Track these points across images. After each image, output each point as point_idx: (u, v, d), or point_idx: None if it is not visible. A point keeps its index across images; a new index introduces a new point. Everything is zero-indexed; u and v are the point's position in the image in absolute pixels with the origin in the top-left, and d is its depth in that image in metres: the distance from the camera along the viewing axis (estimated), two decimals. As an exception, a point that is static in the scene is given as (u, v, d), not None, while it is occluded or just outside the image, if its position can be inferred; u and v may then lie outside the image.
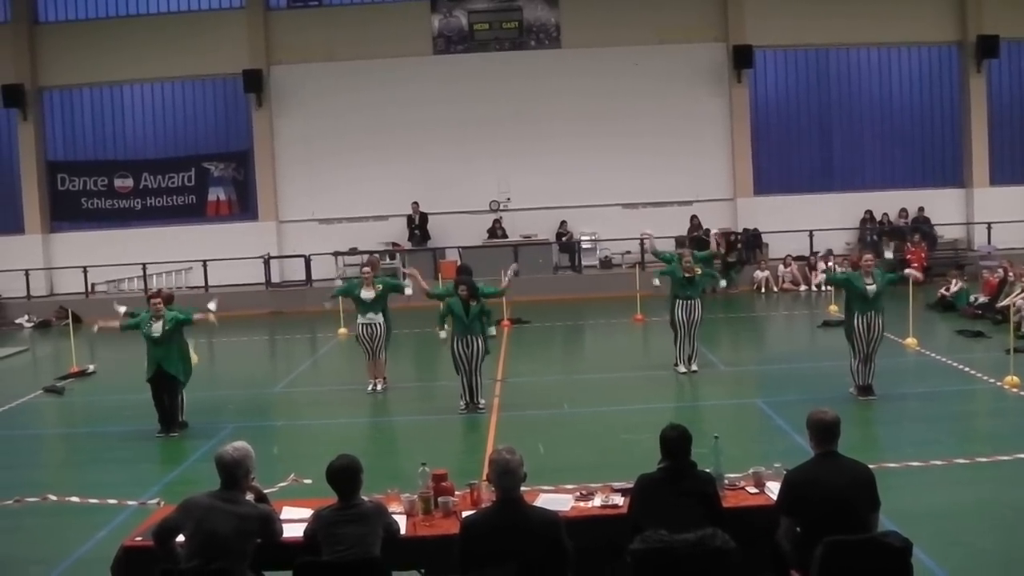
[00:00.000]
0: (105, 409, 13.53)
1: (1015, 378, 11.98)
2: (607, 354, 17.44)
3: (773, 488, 5.84)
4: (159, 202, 26.75)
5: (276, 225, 26.47)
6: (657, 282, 14.88)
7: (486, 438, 10.77)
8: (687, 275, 13.59)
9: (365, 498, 5.43)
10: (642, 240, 22.21)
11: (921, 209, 25.89)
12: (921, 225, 25.52)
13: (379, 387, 13.50)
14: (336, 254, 25.07)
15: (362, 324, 13.35)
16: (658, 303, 16.40)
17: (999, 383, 12.18)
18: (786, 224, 24.84)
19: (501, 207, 25.99)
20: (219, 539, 5.06)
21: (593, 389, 13.50)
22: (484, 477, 5.96)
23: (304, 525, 5.49)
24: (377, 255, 22.64)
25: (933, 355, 14.54)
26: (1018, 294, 16.72)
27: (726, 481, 6.06)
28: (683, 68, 25.98)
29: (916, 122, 26.75)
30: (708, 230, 24.82)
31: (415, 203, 25.62)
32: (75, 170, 26.84)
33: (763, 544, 5.40)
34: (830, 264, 14.42)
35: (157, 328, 11.47)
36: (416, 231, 25.71)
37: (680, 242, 23.17)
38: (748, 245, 25.44)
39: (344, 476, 5.32)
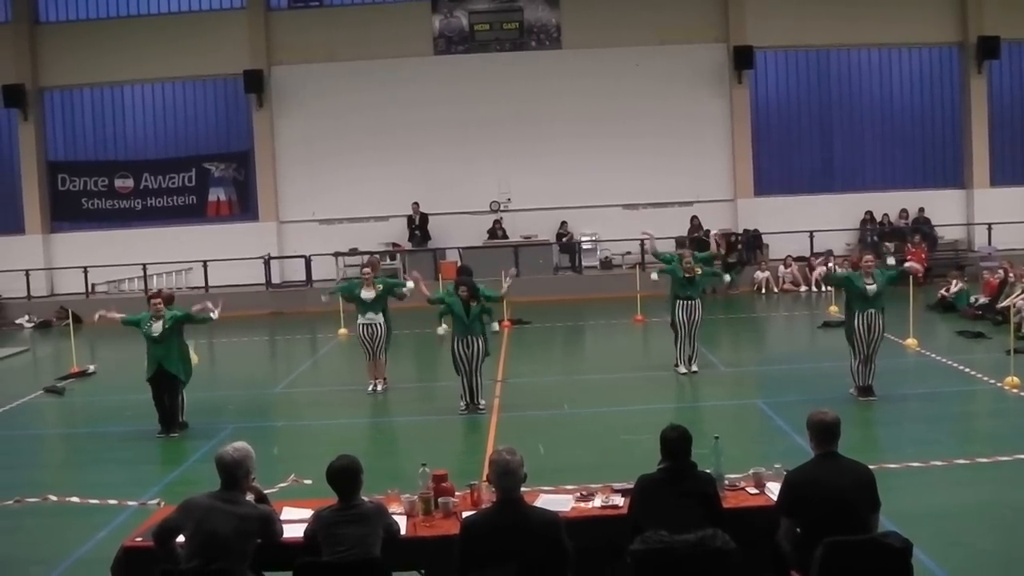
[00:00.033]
0: (105, 409, 13.53)
1: (1015, 379, 11.98)
2: (607, 355, 17.44)
3: (773, 489, 5.84)
4: (159, 202, 26.76)
5: (276, 226, 26.48)
6: (655, 276, 14.87)
7: (486, 439, 10.77)
8: (687, 275, 13.59)
9: (365, 499, 5.43)
10: (642, 241, 22.22)
11: (921, 210, 25.89)
12: (921, 226, 25.52)
13: (379, 388, 13.50)
14: (336, 255, 25.08)
15: (362, 324, 13.35)
16: (658, 304, 16.40)
17: (999, 384, 12.18)
18: (786, 225, 24.84)
19: (502, 208, 25.99)
20: (219, 539, 5.07)
21: (593, 390, 13.49)
22: (484, 478, 5.96)
23: (304, 526, 5.49)
24: (377, 256, 22.66)
25: (933, 356, 14.54)
26: (1018, 295, 16.72)
27: (726, 482, 6.06)
28: (684, 69, 25.98)
29: (917, 123, 26.75)
30: (708, 231, 24.86)
31: (415, 204, 25.62)
32: (76, 170, 26.84)
33: (763, 545, 5.41)
34: (829, 265, 14.37)
35: (157, 327, 11.47)
36: (416, 232, 25.71)
37: (680, 243, 23.17)
38: (748, 246, 25.44)
39: (344, 476, 5.32)
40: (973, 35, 25.51)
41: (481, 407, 12.08)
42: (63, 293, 25.85)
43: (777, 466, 7.39)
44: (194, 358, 12.33)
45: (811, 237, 24.55)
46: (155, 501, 8.60)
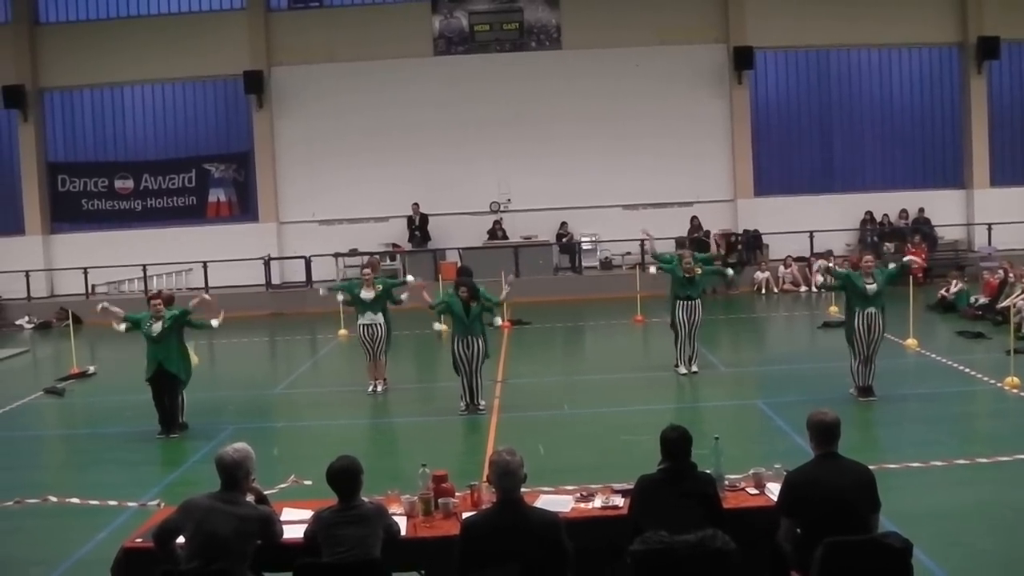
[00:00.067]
0: (105, 410, 13.52)
1: (1015, 379, 11.98)
2: (607, 355, 17.44)
3: (773, 489, 5.84)
4: (159, 203, 26.77)
5: (276, 226, 26.48)
6: (654, 271, 14.89)
7: (486, 439, 10.77)
8: (687, 275, 13.58)
9: (365, 499, 5.43)
10: (642, 241, 22.22)
11: (921, 210, 25.90)
12: (921, 226, 25.52)
13: (379, 388, 13.50)
14: (336, 255, 25.08)
15: (363, 325, 13.36)
16: (658, 304, 16.40)
17: (999, 384, 12.18)
18: (786, 225, 24.84)
19: (502, 208, 25.99)
20: (219, 540, 5.06)
21: (593, 390, 13.50)
22: (484, 478, 5.96)
23: (304, 526, 5.49)
24: (377, 256, 22.67)
25: (933, 356, 14.54)
26: (1018, 295, 16.71)
27: (726, 482, 6.06)
28: (684, 69, 25.99)
29: (917, 123, 26.76)
30: (708, 231, 24.89)
31: (415, 204, 25.62)
32: (75, 171, 26.85)
33: (763, 545, 5.41)
34: (830, 264, 14.32)
35: (157, 328, 11.48)
36: (416, 232, 25.71)
37: (680, 243, 23.18)
38: (748, 246, 25.44)
39: (344, 477, 5.32)
40: (973, 35, 25.52)
41: (481, 408, 12.08)
42: (63, 294, 25.85)
43: (777, 466, 7.39)
44: (194, 359, 12.33)
45: (811, 237, 24.56)
46: (155, 502, 8.59)
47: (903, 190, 26.23)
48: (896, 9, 25.59)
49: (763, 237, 25.53)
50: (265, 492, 5.75)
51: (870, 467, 5.51)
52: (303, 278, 25.22)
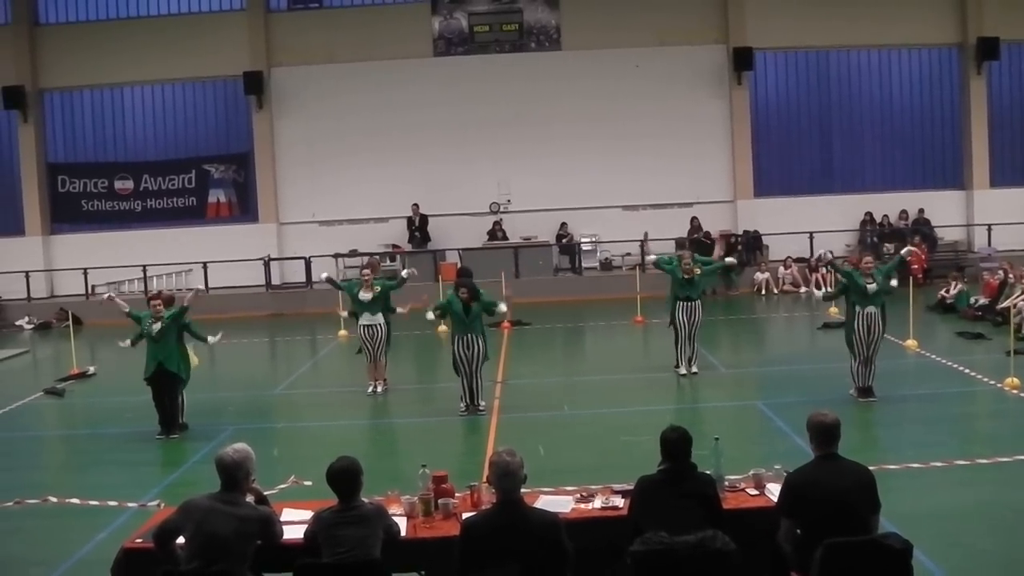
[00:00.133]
0: (105, 411, 13.52)
1: (1015, 380, 11.98)
2: (607, 356, 17.44)
3: (773, 490, 5.84)
4: (159, 204, 26.78)
5: (276, 227, 26.49)
6: (653, 257, 14.88)
7: (486, 440, 10.77)
8: (686, 276, 13.58)
9: (365, 500, 5.43)
10: (642, 243, 22.22)
11: (921, 211, 25.91)
12: (921, 227, 25.52)
13: (379, 389, 13.50)
14: (336, 256, 25.07)
15: (363, 325, 13.36)
16: (658, 305, 16.39)
17: (999, 385, 12.18)
18: (786, 226, 24.85)
19: (501, 209, 25.99)
20: (219, 541, 5.06)
21: (593, 391, 13.50)
22: (484, 479, 5.96)
23: (304, 527, 5.49)
24: (377, 257, 22.67)
25: (933, 357, 14.54)
26: (1018, 296, 16.71)
27: (726, 483, 6.07)
28: (683, 70, 26.00)
29: (916, 124, 26.77)
30: (708, 232, 24.90)
31: (415, 205, 25.63)
32: (75, 172, 26.87)
33: (763, 546, 5.40)
34: (830, 253, 14.18)
35: (157, 327, 11.49)
36: (416, 233, 25.72)
37: (680, 244, 23.18)
38: (748, 247, 25.44)
39: (344, 478, 5.32)
40: (972, 36, 25.53)
41: (481, 408, 12.08)
42: (63, 295, 25.86)
43: (777, 467, 7.39)
44: (194, 360, 12.32)
45: (811, 238, 24.56)
46: (155, 503, 8.59)
47: (903, 191, 26.25)
48: (896, 10, 25.60)
49: (763, 238, 25.54)
50: (265, 493, 5.75)
51: (870, 468, 5.51)
52: (303, 279, 25.23)
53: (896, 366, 13.47)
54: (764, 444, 10.06)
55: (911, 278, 16.84)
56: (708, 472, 5.73)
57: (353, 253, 24.94)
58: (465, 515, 5.61)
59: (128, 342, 12.03)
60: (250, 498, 5.40)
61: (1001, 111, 26.43)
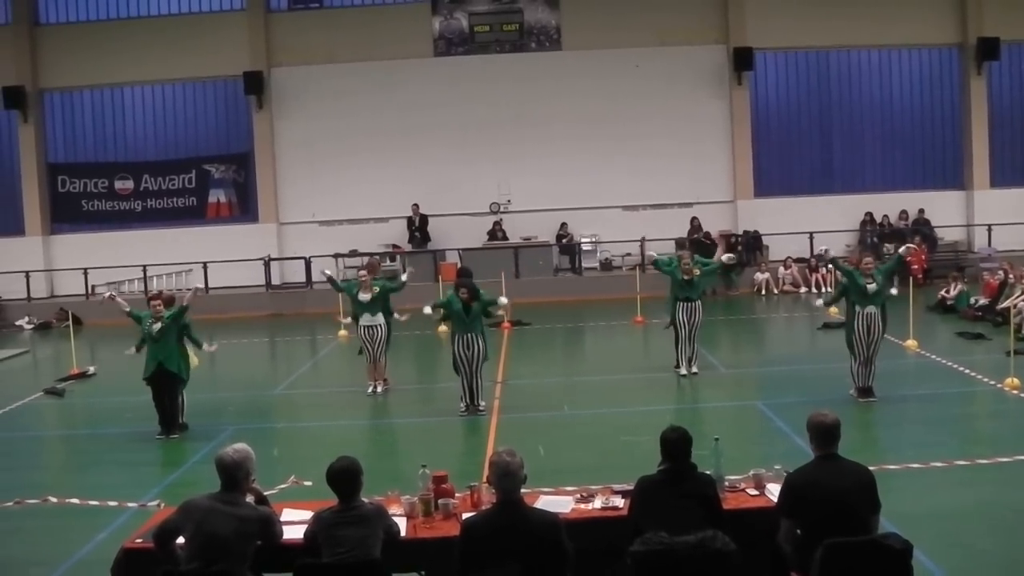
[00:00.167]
0: (105, 411, 13.52)
1: (1015, 380, 11.98)
2: (607, 356, 17.44)
3: (773, 490, 5.84)
4: (159, 204, 26.78)
5: (276, 227, 26.49)
6: (653, 255, 14.85)
7: (486, 440, 10.77)
8: (686, 277, 13.57)
9: (365, 500, 5.43)
10: (642, 244, 22.26)
11: (921, 211, 25.91)
12: (921, 227, 25.52)
13: (379, 389, 13.50)
14: (336, 256, 25.07)
15: (363, 326, 13.38)
16: (658, 305, 16.39)
17: (999, 385, 12.18)
18: (786, 226, 24.84)
19: (502, 209, 25.99)
20: (219, 541, 5.06)
21: (593, 391, 13.49)
22: (484, 479, 5.96)
23: (304, 527, 5.49)
24: (377, 257, 22.66)
25: (933, 357, 14.54)
26: (1018, 296, 16.71)
27: (726, 483, 6.07)
28: (684, 70, 26.00)
29: (916, 124, 26.77)
30: (708, 232, 24.90)
31: (415, 205, 25.63)
32: (75, 172, 26.87)
33: (763, 546, 5.40)
34: (830, 251, 14.11)
35: (157, 327, 11.49)
36: (416, 233, 25.72)
37: (680, 244, 23.17)
38: (748, 247, 25.44)
39: (344, 478, 5.32)
40: (973, 36, 25.54)
41: (481, 408, 12.08)
42: (63, 295, 25.86)
43: (777, 467, 7.39)
44: (194, 360, 12.32)
45: (811, 238, 24.54)
46: (155, 503, 8.59)
47: (903, 191, 26.25)
48: (896, 10, 25.60)
49: (763, 238, 25.53)
50: (265, 493, 5.75)
51: (870, 468, 5.50)
52: (303, 279, 25.22)
53: (896, 366, 13.47)
54: (764, 444, 10.06)
55: (911, 278, 16.85)
56: (708, 472, 5.73)
57: (353, 253, 24.93)
58: (465, 515, 5.61)
59: (133, 349, 12.01)
60: (250, 498, 5.40)
61: (1001, 111, 26.43)
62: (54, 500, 9.02)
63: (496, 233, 25.50)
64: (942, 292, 19.57)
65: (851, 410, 11.07)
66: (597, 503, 6.02)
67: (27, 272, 25.34)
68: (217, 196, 26.74)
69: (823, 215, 25.18)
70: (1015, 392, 11.80)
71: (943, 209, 26.00)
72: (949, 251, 25.66)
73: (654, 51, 25.84)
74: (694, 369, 13.74)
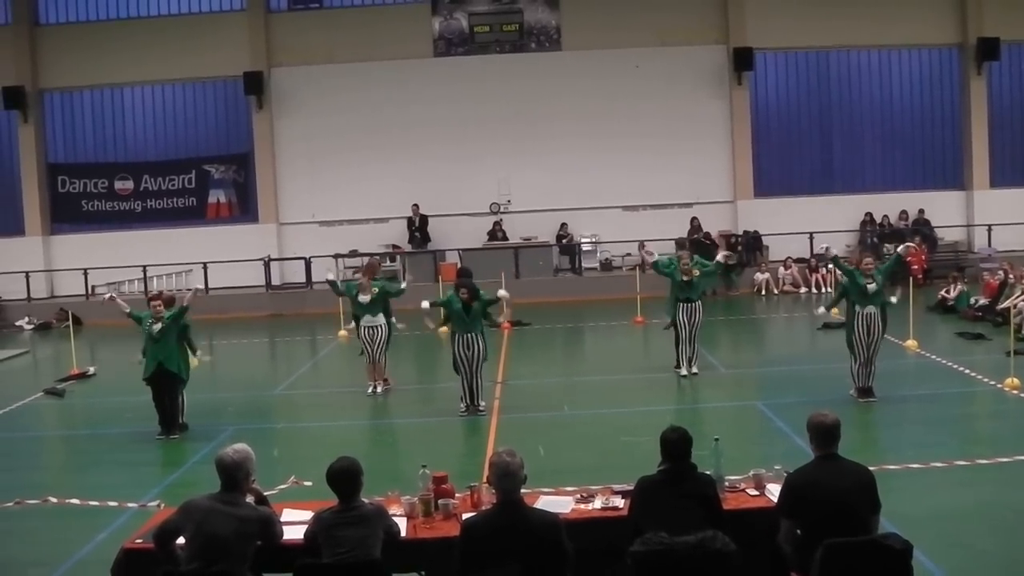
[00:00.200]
0: (105, 411, 13.52)
1: (1015, 380, 11.98)
2: (607, 356, 17.44)
3: (773, 490, 5.84)
4: (159, 204, 26.78)
5: (276, 227, 26.49)
6: (655, 254, 14.85)
7: (486, 440, 10.77)
8: (685, 278, 13.57)
9: (365, 500, 5.43)
10: (641, 247, 22.22)
11: (921, 211, 25.91)
12: (921, 227, 25.52)
13: (379, 389, 13.50)
14: (336, 256, 25.06)
15: (364, 327, 13.40)
16: (658, 305, 16.39)
17: (999, 385, 12.18)
18: (786, 226, 24.83)
19: (502, 209, 26.00)
20: (219, 541, 5.06)
21: (593, 391, 13.50)
22: (484, 479, 5.96)
23: (304, 527, 5.49)
24: (378, 257, 22.66)
25: (933, 357, 14.55)
26: (1018, 296, 16.71)
27: (726, 483, 6.07)
28: (684, 70, 26.00)
29: (916, 124, 26.77)
30: (708, 233, 24.89)
31: (415, 205, 25.63)
32: (75, 172, 26.86)
33: (764, 546, 5.40)
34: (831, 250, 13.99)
35: (157, 327, 11.49)
36: (416, 233, 25.72)
37: (680, 244, 23.16)
38: (748, 247, 25.44)
39: (344, 478, 5.32)
40: (973, 36, 25.54)
41: (481, 409, 12.08)
42: (63, 295, 25.86)
43: (777, 468, 7.39)
44: (194, 361, 12.32)
45: (811, 239, 24.51)
46: (155, 503, 8.59)
47: (903, 191, 26.26)
48: (896, 10, 25.60)
49: (763, 238, 25.53)
50: (265, 493, 5.75)
51: (870, 468, 5.50)
52: (303, 279, 25.22)
53: (896, 366, 13.47)
54: (764, 444, 10.07)
55: (911, 278, 16.84)
56: (708, 472, 5.73)
57: (353, 253, 24.93)
58: (465, 515, 5.61)
59: (140, 356, 11.95)
60: (250, 498, 5.40)
61: (1001, 111, 26.43)
62: (54, 500, 9.02)
63: (496, 233, 25.51)
64: (942, 292, 19.57)
65: (851, 410, 11.07)
66: (597, 503, 6.02)
67: (27, 272, 25.33)
68: (217, 196, 26.74)
69: (823, 215, 25.16)
70: (1015, 392, 11.80)
71: (943, 209, 26.00)
72: (949, 251, 25.66)
73: (654, 51, 25.84)
74: (694, 369, 13.74)
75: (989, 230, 25.10)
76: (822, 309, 13.55)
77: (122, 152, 27.03)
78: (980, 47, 25.39)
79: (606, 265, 25.68)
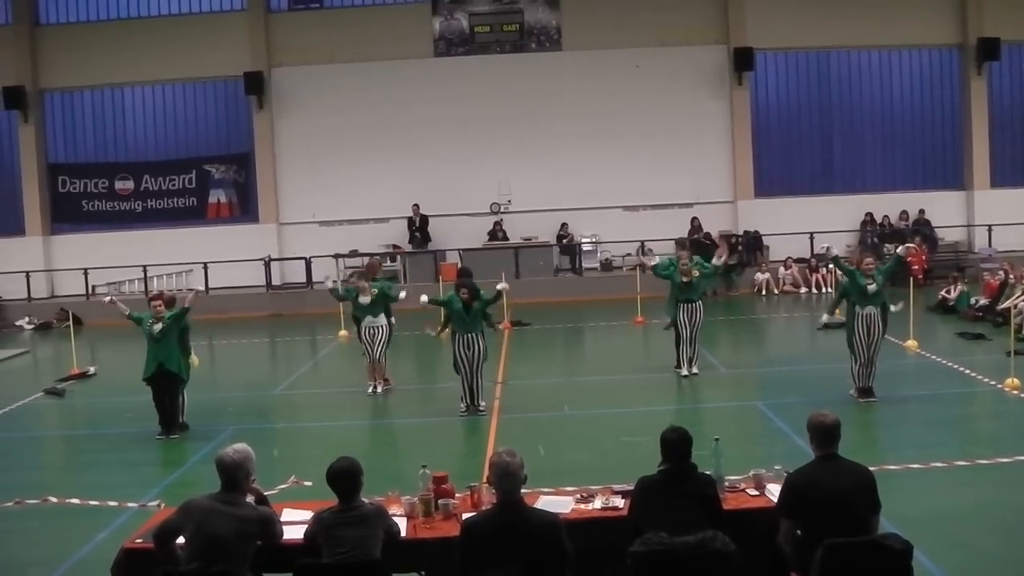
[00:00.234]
0: (106, 411, 13.52)
1: (1016, 380, 11.97)
2: (608, 356, 17.44)
3: (773, 490, 5.84)
4: (160, 204, 26.78)
5: (277, 227, 26.49)
6: (656, 259, 14.85)
7: (487, 440, 10.77)
8: (684, 279, 13.56)
9: (365, 500, 5.43)
10: (641, 245, 22.23)
11: (922, 211, 25.90)
12: (922, 227, 25.51)
13: (379, 389, 13.50)
14: (337, 256, 25.07)
15: (366, 327, 13.40)
16: (659, 306, 16.39)
17: (999, 385, 12.18)
18: (787, 226, 24.82)
19: (502, 209, 25.99)
20: (219, 541, 5.06)
21: (593, 391, 13.49)
22: (484, 479, 5.96)
23: (304, 527, 5.49)
24: (378, 257, 22.64)
25: (933, 357, 14.54)
26: (1019, 296, 16.71)
27: (726, 483, 6.07)
28: (684, 70, 25.99)
29: (917, 124, 26.77)
30: (708, 233, 24.89)
31: (416, 205, 25.63)
32: (76, 172, 26.86)
33: (764, 546, 5.40)
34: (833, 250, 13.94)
35: (158, 327, 11.50)
36: (417, 233, 25.72)
37: (680, 243, 23.13)
38: (749, 247, 25.44)
39: (344, 478, 5.32)
40: (973, 36, 25.53)
41: (481, 409, 12.08)
42: (63, 295, 25.86)
43: (777, 468, 7.39)
44: (194, 361, 12.32)
45: (811, 239, 24.51)
46: (155, 503, 8.59)
47: (903, 191, 26.25)
48: (896, 10, 25.59)
49: (763, 238, 25.53)
50: (265, 493, 5.75)
51: (870, 468, 5.50)
52: (303, 279, 25.22)
53: (896, 367, 13.47)
54: (764, 444, 10.07)
55: (911, 279, 16.84)
56: (708, 473, 5.73)
57: (353, 253, 24.93)
58: (465, 515, 5.61)
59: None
60: (250, 498, 5.40)
61: (1001, 111, 26.42)
62: (54, 500, 9.02)
63: (496, 233, 25.50)
64: (943, 292, 19.56)
65: (851, 410, 11.07)
66: (597, 503, 6.02)
67: (27, 272, 25.33)
68: (217, 196, 26.73)
69: (823, 215, 25.13)
70: (1015, 392, 11.79)
71: (943, 209, 26.00)
72: (949, 251, 25.65)
73: (654, 51, 25.84)
74: (694, 369, 13.73)
75: (989, 230, 25.09)
76: (825, 317, 13.47)
77: (122, 152, 27.03)
78: (980, 47, 25.38)
79: (606, 265, 25.67)
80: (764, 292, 24.13)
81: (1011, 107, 26.49)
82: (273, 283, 25.44)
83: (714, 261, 14.55)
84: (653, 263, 14.58)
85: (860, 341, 11.68)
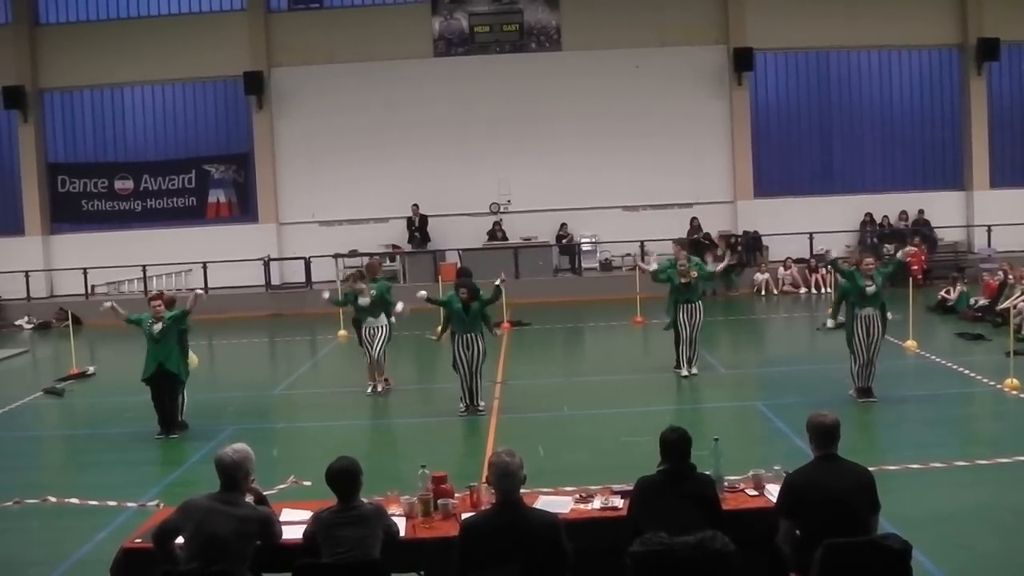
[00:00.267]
0: (105, 411, 13.52)
1: (1015, 381, 11.98)
2: (607, 356, 17.44)
3: (773, 491, 5.84)
4: (159, 204, 26.77)
5: (276, 227, 26.48)
6: (654, 266, 14.88)
7: (486, 440, 10.77)
8: (683, 280, 13.56)
9: (365, 500, 5.43)
10: (640, 246, 22.24)
11: (921, 212, 25.90)
12: (921, 228, 25.51)
13: (379, 389, 13.50)
14: (336, 256, 25.06)
15: (366, 328, 13.41)
16: (658, 306, 16.39)
17: (999, 386, 12.18)
18: (786, 227, 24.83)
19: (501, 209, 25.99)
20: (219, 541, 5.06)
21: (593, 391, 13.50)
22: (484, 479, 5.96)
23: (304, 527, 5.48)
24: (378, 258, 22.65)
25: (933, 358, 14.54)
26: (1018, 297, 16.71)
27: (726, 483, 6.07)
28: (684, 70, 25.99)
29: (916, 125, 26.76)
30: (708, 233, 24.90)
31: (415, 205, 25.62)
32: (75, 172, 26.85)
33: (763, 547, 5.40)
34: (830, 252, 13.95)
35: (157, 327, 11.49)
36: (416, 233, 25.71)
37: (679, 243, 23.11)
38: (748, 248, 25.44)
39: (344, 478, 5.32)
40: (973, 37, 25.53)
41: (481, 409, 12.08)
42: (63, 294, 25.85)
43: (777, 468, 7.39)
44: (193, 361, 12.32)
45: (811, 239, 24.53)
46: (154, 502, 8.59)
47: (903, 192, 26.25)
48: (896, 10, 25.59)
49: (763, 238, 25.53)
50: (264, 493, 5.75)
51: (870, 469, 5.50)
52: (303, 279, 25.21)
53: (896, 367, 13.46)
54: (764, 445, 10.07)
55: (911, 279, 16.84)
56: (708, 473, 5.73)
57: (353, 253, 24.92)
58: (464, 515, 5.61)
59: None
60: (250, 498, 5.40)
61: (1001, 112, 26.42)
62: (53, 500, 9.02)
63: (496, 233, 25.50)
64: (942, 293, 19.57)
65: (851, 411, 11.07)
66: (596, 503, 6.02)
67: (27, 272, 25.32)
68: (217, 196, 26.73)
69: (823, 216, 25.16)
70: (1015, 393, 11.80)
71: (943, 210, 25.99)
72: (949, 252, 25.65)
73: (654, 51, 25.83)
74: (694, 370, 13.74)
75: (989, 230, 25.09)
76: (830, 322, 13.43)
77: (122, 152, 27.02)
78: (980, 47, 25.38)
79: (606, 265, 25.67)
80: (764, 292, 24.14)
81: (1011, 107, 26.49)
82: (273, 283, 25.44)
83: (709, 268, 14.57)
84: (652, 268, 14.59)
85: (860, 342, 11.68)
